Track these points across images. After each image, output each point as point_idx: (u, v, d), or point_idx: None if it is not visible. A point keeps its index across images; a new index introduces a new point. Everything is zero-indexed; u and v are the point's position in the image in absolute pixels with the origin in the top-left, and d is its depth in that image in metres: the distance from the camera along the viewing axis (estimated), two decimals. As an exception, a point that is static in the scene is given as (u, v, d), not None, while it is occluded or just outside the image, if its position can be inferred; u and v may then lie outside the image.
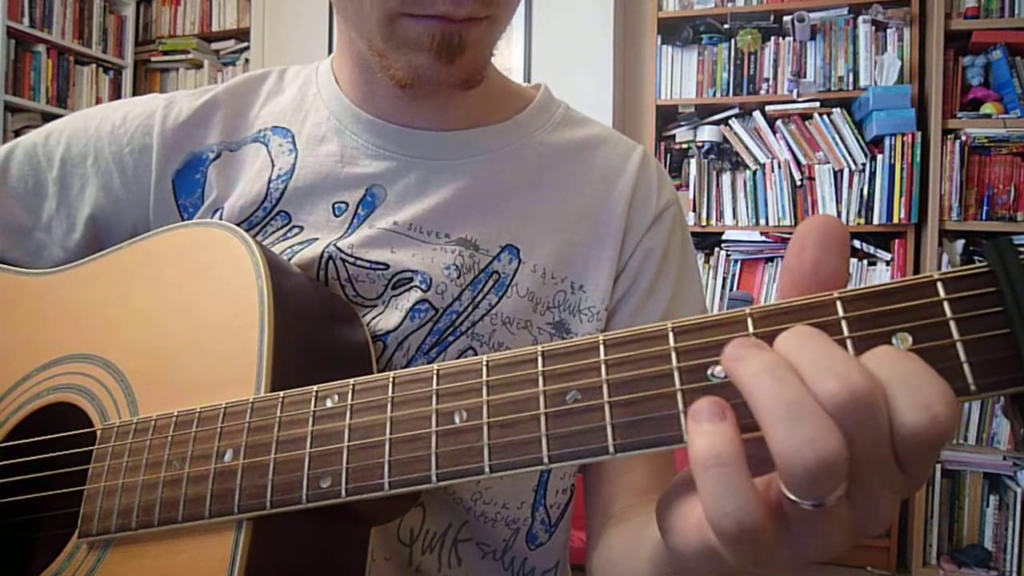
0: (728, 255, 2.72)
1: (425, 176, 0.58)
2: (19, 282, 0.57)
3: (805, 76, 2.68)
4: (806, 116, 2.67)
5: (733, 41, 2.76)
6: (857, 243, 2.57)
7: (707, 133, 2.77)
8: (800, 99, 2.64)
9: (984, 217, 2.44)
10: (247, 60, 3.46)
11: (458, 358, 0.53)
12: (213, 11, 3.57)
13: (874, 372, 0.26)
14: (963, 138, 2.43)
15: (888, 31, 2.60)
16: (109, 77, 3.53)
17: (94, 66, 3.43)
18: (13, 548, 0.51)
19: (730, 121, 2.76)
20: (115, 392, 0.47)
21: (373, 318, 0.54)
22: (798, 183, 2.66)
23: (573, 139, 0.63)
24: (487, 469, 0.33)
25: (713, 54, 2.79)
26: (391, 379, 0.38)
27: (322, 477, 0.37)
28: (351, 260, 0.55)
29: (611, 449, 0.31)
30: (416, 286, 0.55)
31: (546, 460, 0.33)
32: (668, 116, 2.87)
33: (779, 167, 2.68)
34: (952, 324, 0.28)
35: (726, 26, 2.76)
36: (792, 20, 2.65)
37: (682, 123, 2.83)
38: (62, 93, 3.28)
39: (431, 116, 0.58)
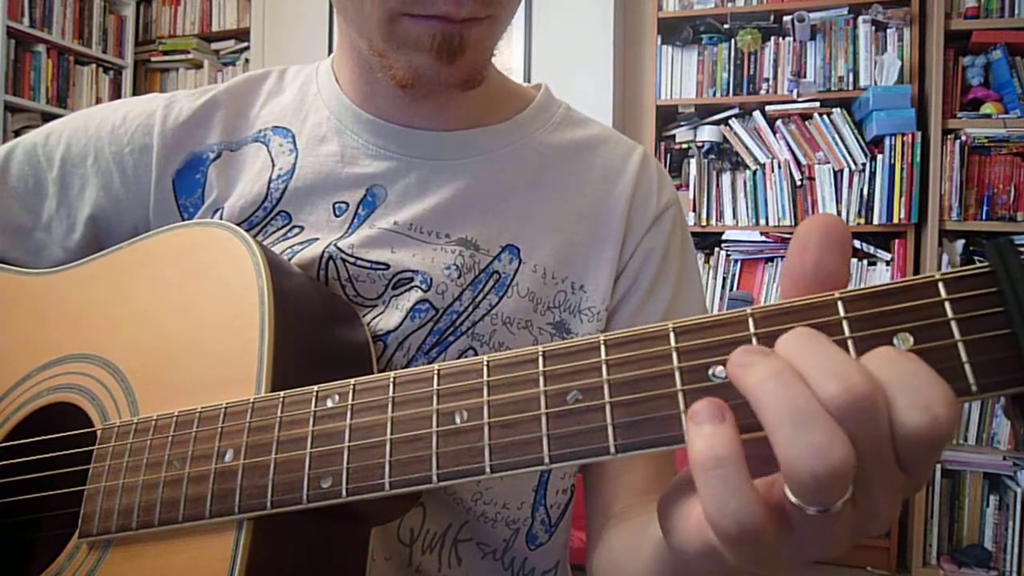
0: (728, 255, 2.72)
1: (425, 176, 0.58)
2: (19, 282, 0.57)
3: (805, 76, 2.68)
4: (806, 116, 2.67)
5: (733, 41, 2.76)
6: (857, 243, 2.57)
7: (707, 133, 2.77)
8: (800, 99, 2.64)
9: (984, 217, 2.44)
10: (247, 60, 3.46)
11: (458, 358, 0.53)
12: (213, 11, 3.57)
13: (875, 373, 0.26)
14: (963, 138, 2.43)
15: (888, 31, 2.60)
16: (109, 77, 3.53)
17: (94, 66, 3.43)
18: (13, 548, 0.51)
19: (730, 121, 2.76)
20: (115, 392, 0.47)
21: (373, 318, 0.54)
22: (798, 183, 2.66)
23: (573, 139, 0.63)
24: (488, 469, 0.33)
25: (713, 54, 2.79)
26: (392, 379, 0.38)
27: (323, 477, 0.37)
28: (351, 260, 0.55)
29: (612, 449, 0.31)
30: (416, 286, 0.55)
31: (547, 460, 0.33)
32: (668, 116, 2.87)
33: (779, 167, 2.68)
34: (953, 324, 0.28)
35: (726, 26, 2.76)
36: (792, 20, 2.65)
37: (682, 123, 2.83)
38: (62, 93, 3.28)
39: (431, 116, 0.58)
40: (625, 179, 0.61)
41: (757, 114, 2.72)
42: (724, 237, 2.72)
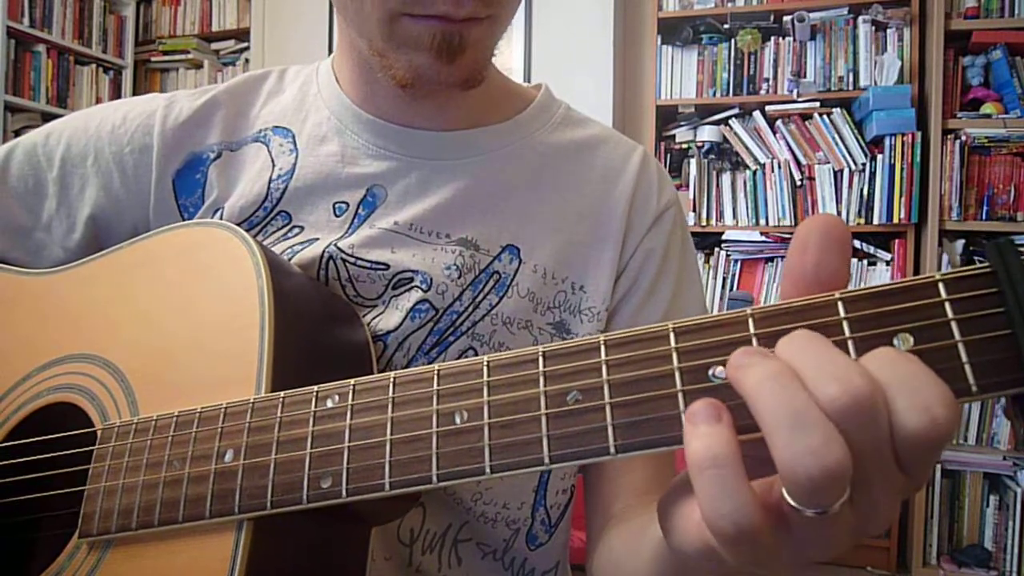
0: (728, 255, 2.72)
1: (426, 176, 0.58)
2: (19, 282, 0.57)
3: (805, 76, 2.68)
4: (806, 116, 2.67)
5: (733, 41, 2.76)
6: (857, 243, 2.57)
7: (707, 133, 2.77)
8: (800, 99, 2.64)
9: (984, 217, 2.44)
10: (247, 60, 3.46)
11: (458, 358, 0.53)
12: (213, 11, 3.57)
13: (875, 374, 0.26)
14: (963, 138, 2.43)
15: (888, 31, 2.60)
16: (109, 77, 3.53)
17: (94, 66, 3.43)
18: (13, 548, 0.51)
19: (730, 121, 2.76)
20: (115, 392, 0.47)
21: (373, 318, 0.54)
22: (798, 183, 2.66)
23: (573, 139, 0.63)
24: (488, 470, 0.33)
25: (713, 54, 2.79)
26: (392, 379, 0.38)
27: (323, 477, 0.37)
28: (351, 260, 0.55)
29: (612, 450, 0.31)
30: (416, 286, 0.55)
31: (547, 461, 0.33)
32: (668, 116, 2.87)
33: (779, 167, 2.68)
34: (953, 325, 0.28)
35: (726, 26, 2.76)
36: (792, 20, 2.65)
37: (682, 123, 2.83)
38: (62, 93, 3.28)
39: (432, 116, 0.58)
40: (625, 179, 0.61)
41: (757, 114, 2.72)
42: (724, 237, 2.72)
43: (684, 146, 2.83)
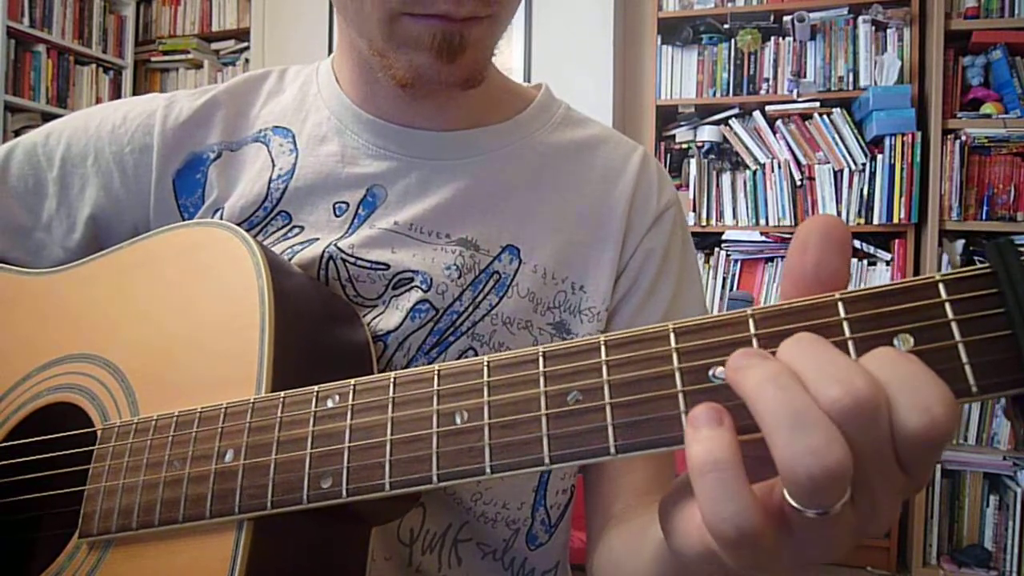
0: (728, 255, 2.72)
1: (426, 176, 0.58)
2: (19, 282, 0.57)
3: (805, 76, 2.68)
4: (806, 116, 2.67)
5: (733, 41, 2.76)
6: (857, 243, 2.57)
7: (707, 133, 2.77)
8: (800, 99, 2.64)
9: (984, 217, 2.44)
10: (247, 60, 3.46)
11: (459, 358, 0.53)
12: (213, 11, 3.57)
13: (875, 374, 0.26)
14: (963, 138, 2.43)
15: (888, 31, 2.60)
16: (109, 77, 3.53)
17: (94, 66, 3.43)
18: (13, 548, 0.51)
19: (730, 121, 2.76)
20: (115, 392, 0.47)
21: (374, 318, 0.54)
22: (798, 183, 2.66)
23: (573, 139, 0.63)
24: (488, 470, 0.33)
25: (713, 54, 2.79)
26: (392, 379, 0.38)
27: (323, 477, 0.37)
28: (352, 260, 0.55)
29: (612, 450, 0.31)
30: (417, 286, 0.55)
31: (547, 461, 0.33)
32: (668, 116, 2.87)
33: (779, 167, 2.68)
34: (954, 325, 0.28)
35: (726, 26, 2.76)
36: (792, 20, 2.65)
37: (682, 123, 2.83)
38: (62, 93, 3.28)
39: (432, 116, 0.58)
40: (625, 179, 0.61)
41: (757, 114, 2.72)
42: (724, 237, 2.72)
43: (684, 146, 2.83)
